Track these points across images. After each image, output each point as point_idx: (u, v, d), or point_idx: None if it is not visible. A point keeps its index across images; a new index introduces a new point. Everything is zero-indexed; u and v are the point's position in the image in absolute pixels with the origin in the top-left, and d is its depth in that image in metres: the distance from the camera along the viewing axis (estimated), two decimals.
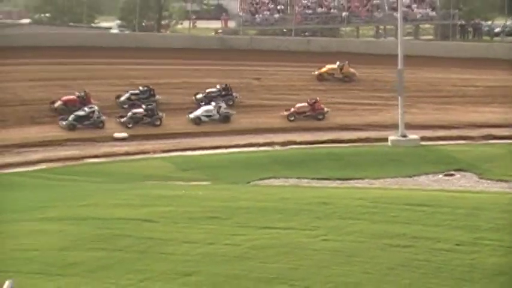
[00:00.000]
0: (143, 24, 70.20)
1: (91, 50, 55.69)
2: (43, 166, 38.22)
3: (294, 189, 30.04)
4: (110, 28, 73.03)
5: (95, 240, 20.04)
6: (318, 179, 33.26)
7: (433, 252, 18.39)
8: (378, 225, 20.69)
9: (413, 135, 38.56)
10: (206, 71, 53.03)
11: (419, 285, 16.28)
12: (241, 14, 59.86)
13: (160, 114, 43.22)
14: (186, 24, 66.69)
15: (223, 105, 43.35)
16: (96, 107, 42.58)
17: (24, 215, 23.54)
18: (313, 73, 51.81)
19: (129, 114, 42.61)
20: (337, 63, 51.14)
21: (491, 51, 51.48)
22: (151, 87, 45.37)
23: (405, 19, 48.41)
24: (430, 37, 59.45)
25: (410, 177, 32.90)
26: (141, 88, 45.18)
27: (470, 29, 56.94)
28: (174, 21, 73.44)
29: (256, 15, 58.90)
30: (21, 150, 41.08)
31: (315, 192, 28.45)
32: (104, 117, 42.38)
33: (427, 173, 33.97)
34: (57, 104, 43.21)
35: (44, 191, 30.35)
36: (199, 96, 45.00)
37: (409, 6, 54.21)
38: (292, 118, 43.94)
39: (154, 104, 43.59)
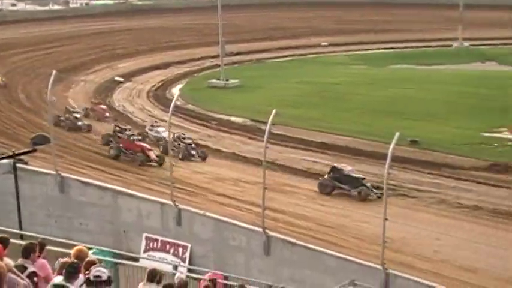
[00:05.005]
0: None
1: None
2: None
3: (409, 70, 55.59)
4: None
5: (313, 92, 43.78)
6: (420, 64, 57.38)
7: (476, 96, 40.68)
8: (449, 86, 44.03)
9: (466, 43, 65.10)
10: None
11: (467, 109, 38.53)
12: None
13: None
14: None
15: None
16: None
17: (285, 80, 48.80)
18: None
19: None
20: None
21: None
22: None
23: None
24: None
25: (464, 64, 56.99)
26: None
27: None
28: None
29: None
30: None
31: (417, 71, 53.48)
32: None
33: (472, 62, 57.88)
34: None
35: (292, 70, 54.20)
36: None
37: None
38: None
39: None
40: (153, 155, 29.00)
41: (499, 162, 28.78)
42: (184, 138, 30.61)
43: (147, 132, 32.32)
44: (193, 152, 30.04)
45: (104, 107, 38.76)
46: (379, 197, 23.96)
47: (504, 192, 25.51)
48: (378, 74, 51.26)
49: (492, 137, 33.07)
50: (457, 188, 25.92)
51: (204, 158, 30.19)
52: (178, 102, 38.77)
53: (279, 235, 18.64)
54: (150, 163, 28.82)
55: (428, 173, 27.73)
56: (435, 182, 26.74)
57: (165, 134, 29.64)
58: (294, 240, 18.26)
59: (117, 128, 31.29)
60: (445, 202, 24.60)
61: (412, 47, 65.24)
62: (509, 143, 32.30)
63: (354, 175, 25.84)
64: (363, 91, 44.22)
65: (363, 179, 25.63)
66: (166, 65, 56.48)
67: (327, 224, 22.47)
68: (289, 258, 17.82)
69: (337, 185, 25.61)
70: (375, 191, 24.83)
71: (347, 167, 26.34)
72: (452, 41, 65.04)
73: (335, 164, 26.42)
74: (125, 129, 31.00)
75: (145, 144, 29.63)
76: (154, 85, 48.90)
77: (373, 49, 65.01)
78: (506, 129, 34.17)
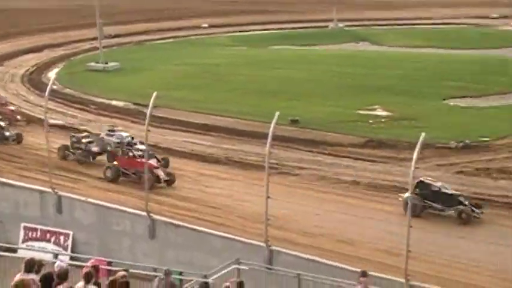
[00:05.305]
0: None
1: None
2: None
3: (288, 50, 56.45)
4: None
5: (195, 74, 43.60)
6: (298, 44, 58.57)
7: (351, 75, 41.88)
8: (327, 66, 45.06)
9: (341, 24, 66.79)
10: None
11: (343, 88, 39.71)
12: None
13: None
14: None
15: None
16: None
17: (167, 62, 48.24)
18: None
19: None
20: None
21: None
22: None
23: None
24: None
25: (339, 44, 59.19)
26: None
27: None
28: None
29: None
30: None
31: (296, 52, 54.57)
32: None
33: (347, 42, 60.25)
34: None
35: (174, 52, 53.77)
36: None
37: None
38: None
39: None
40: (162, 174, 24.39)
41: (373, 138, 30.11)
42: (136, 143, 25.96)
43: (104, 138, 26.98)
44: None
45: (12, 108, 33.61)
46: (478, 218, 21.43)
47: (379, 166, 26.72)
48: (258, 55, 51.86)
49: (367, 115, 34.52)
50: (336, 164, 26.86)
51: (166, 166, 25.65)
52: (55, 87, 37.51)
53: (163, 218, 18.61)
54: (159, 184, 24.09)
55: (309, 151, 28.54)
56: (315, 159, 27.57)
57: (129, 140, 26.45)
58: (178, 223, 18.30)
59: (74, 139, 26.71)
60: (325, 178, 25.43)
61: (290, 28, 66.54)
62: (383, 120, 33.88)
63: (447, 191, 21.97)
64: (244, 72, 44.65)
65: (459, 195, 21.92)
66: (40, 48, 54.23)
67: (212, 205, 22.64)
68: (174, 241, 17.84)
69: (427, 204, 21.78)
70: (476, 210, 21.54)
71: (437, 182, 22.47)
72: (328, 22, 66.94)
73: (421, 178, 22.01)
74: (82, 137, 26.70)
75: (150, 162, 22.99)
76: (29, 69, 46.88)
77: (253, 30, 65.73)
78: (380, 106, 35.79)
